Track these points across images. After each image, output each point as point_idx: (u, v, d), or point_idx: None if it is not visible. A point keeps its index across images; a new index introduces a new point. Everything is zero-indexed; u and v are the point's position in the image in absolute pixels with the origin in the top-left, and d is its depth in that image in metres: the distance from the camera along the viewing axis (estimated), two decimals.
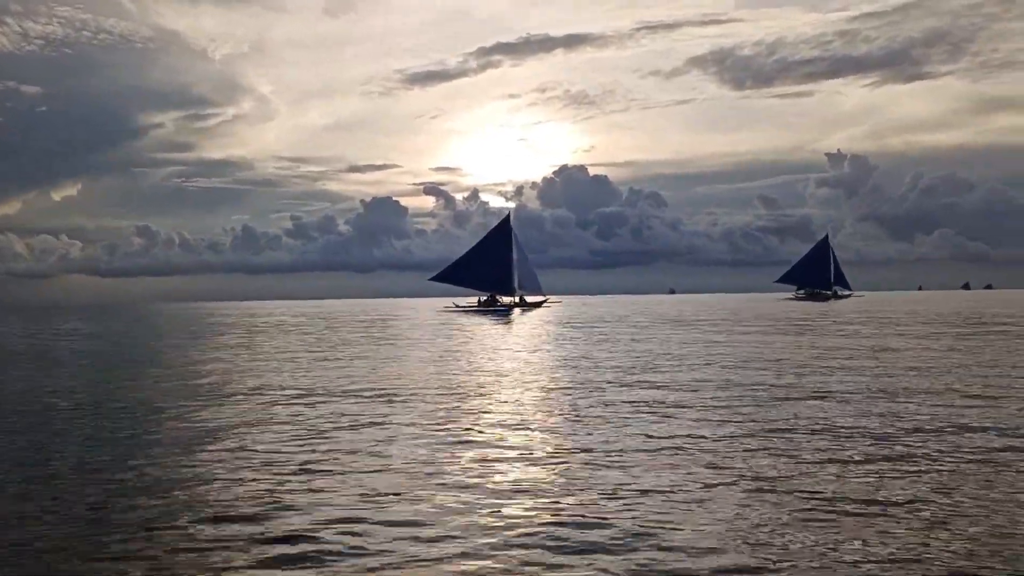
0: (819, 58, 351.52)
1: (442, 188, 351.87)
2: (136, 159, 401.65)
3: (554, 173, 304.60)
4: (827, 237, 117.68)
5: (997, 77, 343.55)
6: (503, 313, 78.83)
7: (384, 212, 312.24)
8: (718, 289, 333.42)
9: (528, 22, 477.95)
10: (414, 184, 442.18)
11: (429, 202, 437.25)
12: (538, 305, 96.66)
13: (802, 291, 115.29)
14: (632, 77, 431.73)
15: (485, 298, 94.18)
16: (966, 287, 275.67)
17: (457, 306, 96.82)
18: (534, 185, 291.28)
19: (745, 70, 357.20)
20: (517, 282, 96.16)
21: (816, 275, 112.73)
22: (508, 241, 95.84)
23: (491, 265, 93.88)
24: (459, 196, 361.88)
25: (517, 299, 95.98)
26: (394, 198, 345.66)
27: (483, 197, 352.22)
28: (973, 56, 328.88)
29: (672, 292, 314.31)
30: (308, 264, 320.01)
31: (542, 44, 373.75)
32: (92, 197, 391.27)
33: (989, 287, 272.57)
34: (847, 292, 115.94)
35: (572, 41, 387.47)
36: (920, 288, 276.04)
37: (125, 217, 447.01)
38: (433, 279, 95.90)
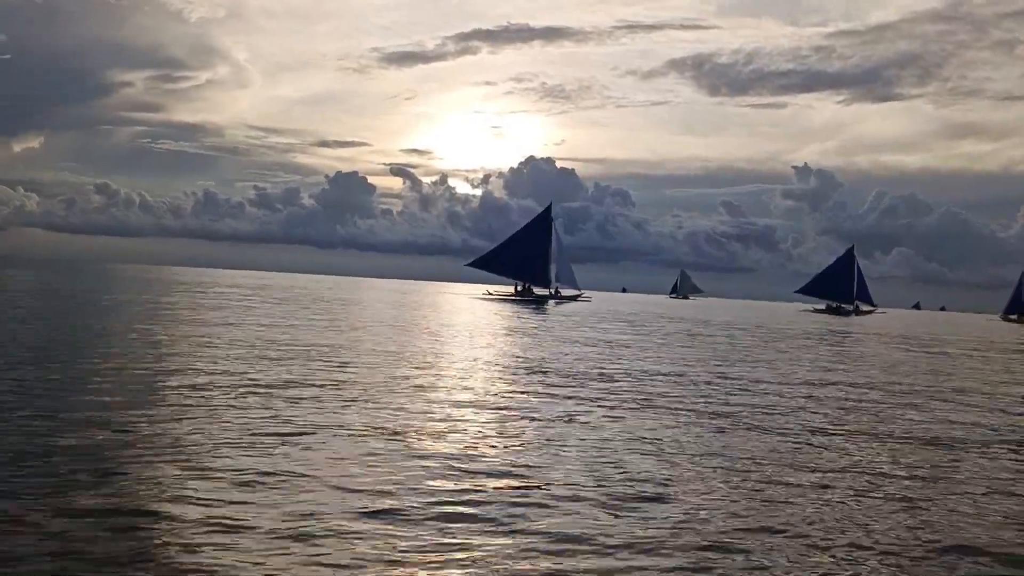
0: (794, 71, 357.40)
1: (410, 170, 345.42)
2: (102, 116, 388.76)
3: (520, 163, 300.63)
4: (852, 248, 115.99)
5: (964, 104, 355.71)
6: (538, 304, 74.28)
7: (350, 188, 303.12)
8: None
9: (508, 10, 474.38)
10: (383, 164, 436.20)
11: (396, 183, 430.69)
12: (573, 299, 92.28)
13: (822, 304, 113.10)
14: (609, 75, 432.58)
15: (521, 287, 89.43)
16: (917, 307, 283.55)
17: (490, 294, 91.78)
18: (501, 174, 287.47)
19: (721, 77, 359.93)
20: (555, 274, 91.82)
21: (839, 288, 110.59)
22: (548, 231, 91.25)
23: (530, 255, 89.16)
24: (427, 180, 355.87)
25: (552, 291, 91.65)
26: (361, 174, 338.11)
27: (451, 182, 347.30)
28: (942, 81, 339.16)
29: (624, 291, 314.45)
30: (269, 235, 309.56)
31: (521, 34, 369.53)
32: (54, 151, 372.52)
33: (943, 309, 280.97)
34: (869, 308, 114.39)
35: (551, 33, 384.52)
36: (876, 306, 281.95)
37: (86, 173, 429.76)
38: (470, 265, 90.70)
